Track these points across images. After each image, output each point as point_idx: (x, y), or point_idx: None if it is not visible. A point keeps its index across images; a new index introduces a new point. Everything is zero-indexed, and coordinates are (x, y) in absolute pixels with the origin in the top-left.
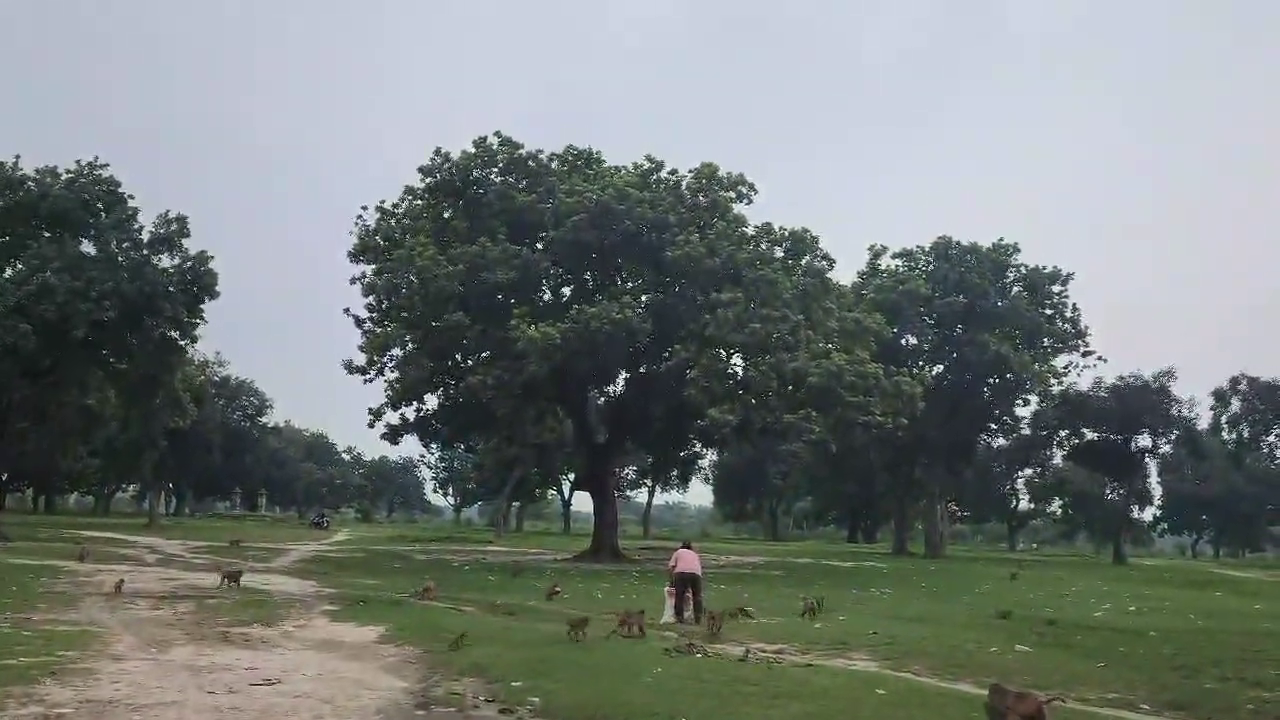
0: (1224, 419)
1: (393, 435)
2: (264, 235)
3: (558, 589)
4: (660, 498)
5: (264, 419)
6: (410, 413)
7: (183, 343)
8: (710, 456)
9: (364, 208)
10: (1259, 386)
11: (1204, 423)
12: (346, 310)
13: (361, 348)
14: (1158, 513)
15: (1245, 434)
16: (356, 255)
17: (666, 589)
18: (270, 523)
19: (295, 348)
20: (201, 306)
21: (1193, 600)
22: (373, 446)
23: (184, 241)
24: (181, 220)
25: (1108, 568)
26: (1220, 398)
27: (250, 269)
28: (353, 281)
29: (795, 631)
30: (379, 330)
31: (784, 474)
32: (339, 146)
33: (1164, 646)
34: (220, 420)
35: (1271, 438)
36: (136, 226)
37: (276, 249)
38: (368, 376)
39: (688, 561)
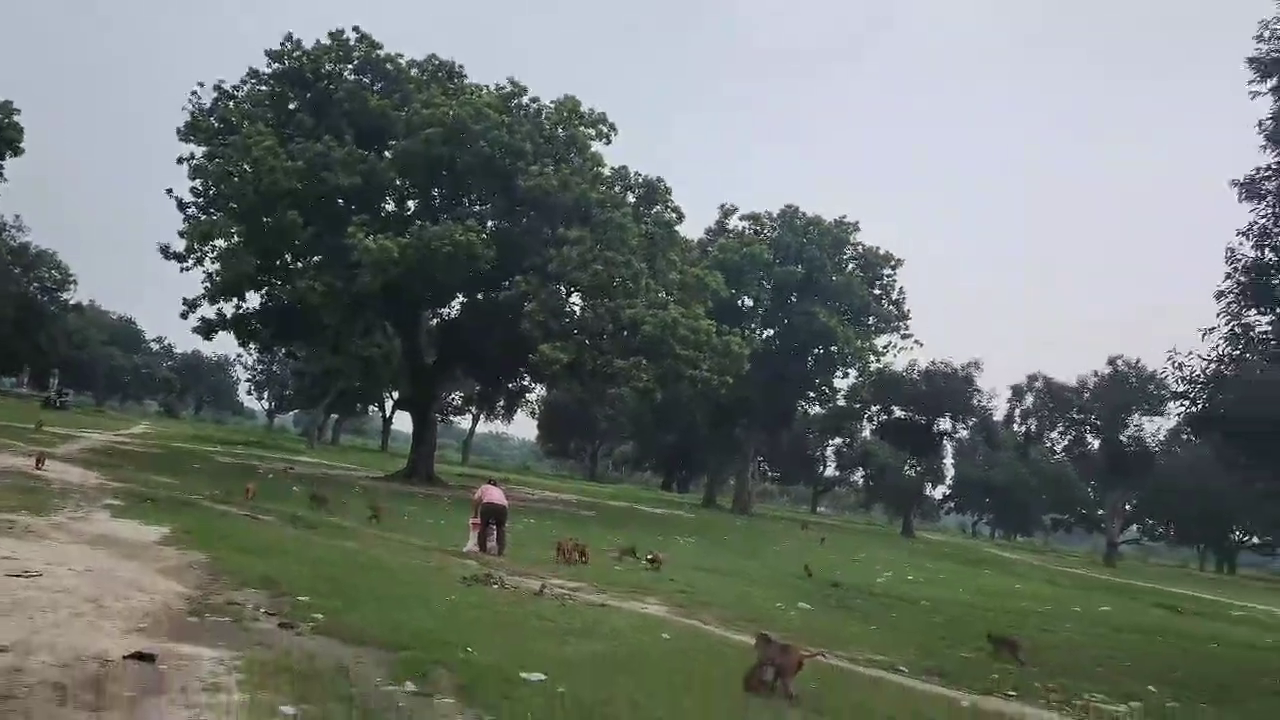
0: (1017, 413)
1: (207, 330)
2: (89, 98)
3: (378, 511)
4: (484, 427)
5: (65, 295)
6: (229, 309)
7: None
8: (538, 392)
9: (200, 84)
10: (1051, 386)
11: (1000, 414)
12: (169, 191)
13: (182, 234)
14: (947, 492)
15: (1033, 428)
16: (187, 134)
17: (471, 520)
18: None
19: (110, 224)
20: (1, 162)
21: (965, 576)
22: (185, 339)
23: None
24: None
25: (896, 538)
26: (1017, 393)
27: (69, 133)
28: (180, 162)
29: (594, 573)
30: (203, 218)
31: (609, 418)
32: (187, 12)
33: (933, 616)
34: (14, 290)
35: (1055, 434)
36: None
37: (103, 115)
38: (185, 265)
39: (495, 494)
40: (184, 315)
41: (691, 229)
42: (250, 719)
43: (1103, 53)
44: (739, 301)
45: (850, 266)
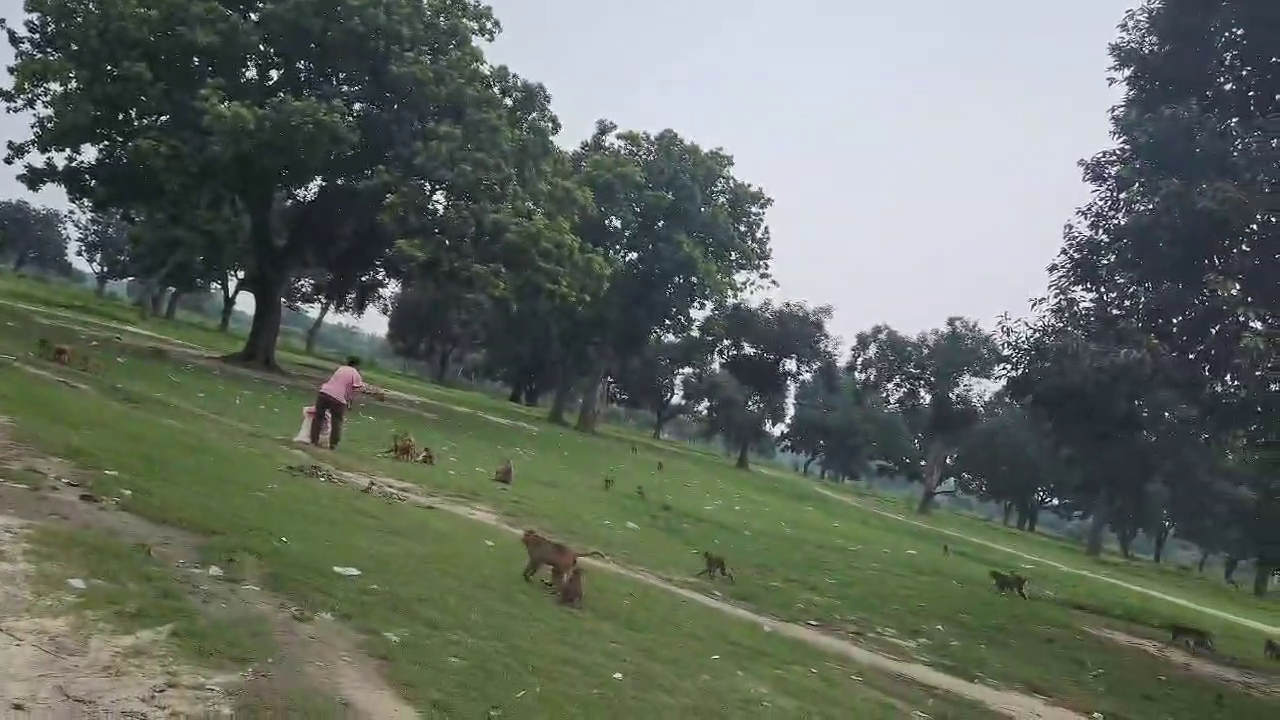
0: (859, 361)
1: (34, 180)
2: None
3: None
4: (333, 318)
5: None
6: (61, 160)
7: None
8: (393, 287)
9: None
10: (894, 339)
11: (843, 361)
12: (2, 23)
13: (12, 70)
14: (785, 430)
15: (872, 378)
16: None
17: (306, 408)
18: None
19: None
20: None
21: (789, 510)
22: (9, 187)
23: None
24: None
25: (732, 470)
26: (861, 342)
27: None
28: None
29: (425, 475)
30: (39, 56)
31: (463, 322)
32: None
33: (751, 545)
34: None
35: (891, 385)
36: None
37: None
38: (13, 105)
39: (332, 383)
40: (9, 160)
41: (567, 142)
42: (34, 589)
43: (978, 22)
44: (606, 221)
45: (720, 200)
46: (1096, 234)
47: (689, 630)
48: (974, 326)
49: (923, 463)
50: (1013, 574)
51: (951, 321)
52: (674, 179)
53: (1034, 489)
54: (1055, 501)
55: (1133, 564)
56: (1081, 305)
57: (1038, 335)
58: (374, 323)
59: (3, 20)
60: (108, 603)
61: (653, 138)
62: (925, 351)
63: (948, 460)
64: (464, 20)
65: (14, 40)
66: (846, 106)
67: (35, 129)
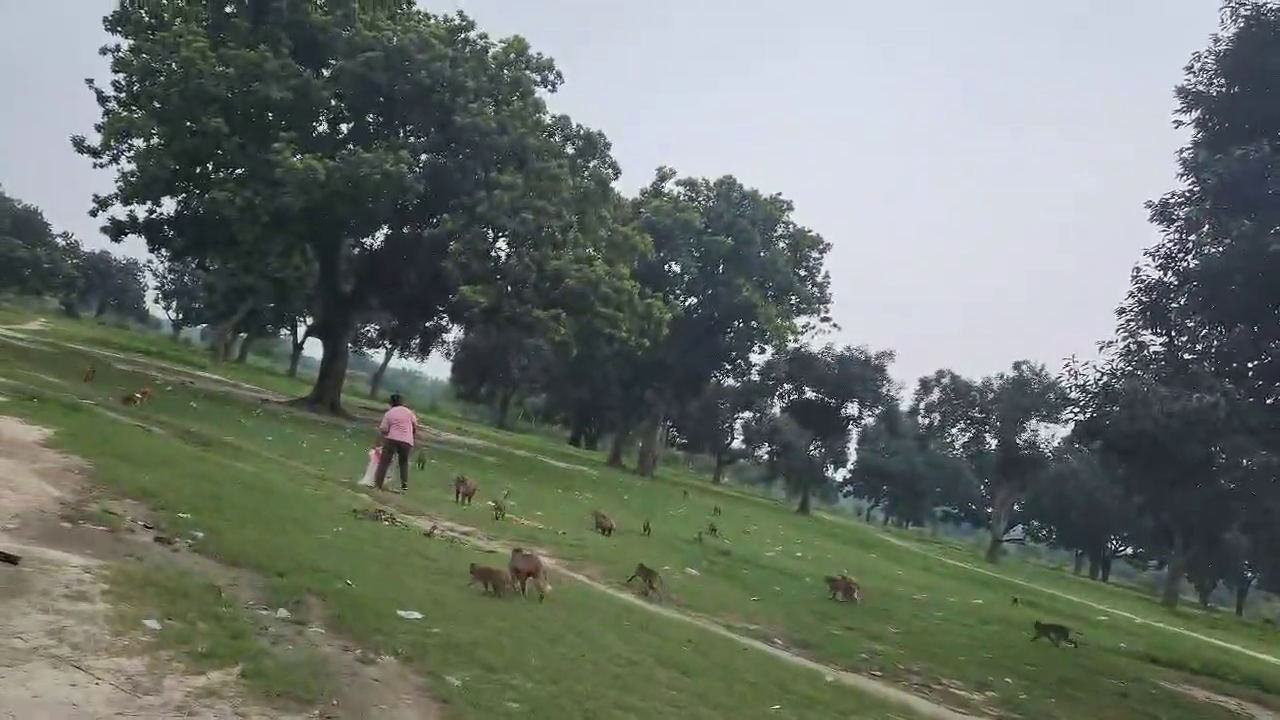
0: (922, 405)
1: (117, 231)
2: None
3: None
4: (397, 362)
5: None
6: (142, 212)
7: None
8: (456, 333)
9: None
10: (957, 383)
11: (905, 405)
12: (90, 82)
13: (99, 127)
14: (848, 474)
15: (936, 422)
16: (114, 24)
17: (373, 450)
18: None
19: (24, 109)
20: None
21: (851, 557)
22: (93, 238)
23: None
24: None
25: (793, 515)
26: (924, 386)
27: None
28: (104, 52)
29: (490, 521)
30: (124, 114)
31: (524, 366)
32: None
33: (812, 591)
34: None
35: (955, 430)
36: None
37: None
38: (100, 161)
39: (402, 428)
40: (94, 213)
41: (627, 188)
42: (112, 629)
43: (1057, 70)
44: (666, 266)
45: (780, 244)
46: (1166, 276)
47: (748, 678)
48: (1040, 370)
49: (989, 509)
50: (1056, 623)
51: (1017, 365)
52: (733, 224)
53: (1106, 537)
54: (1129, 550)
55: (1212, 615)
56: (1151, 349)
57: (1106, 379)
58: (437, 367)
59: (91, 80)
60: (180, 643)
61: (712, 183)
62: (990, 395)
63: (1015, 506)
64: (527, 72)
65: (101, 99)
66: (898, 142)
67: (119, 183)
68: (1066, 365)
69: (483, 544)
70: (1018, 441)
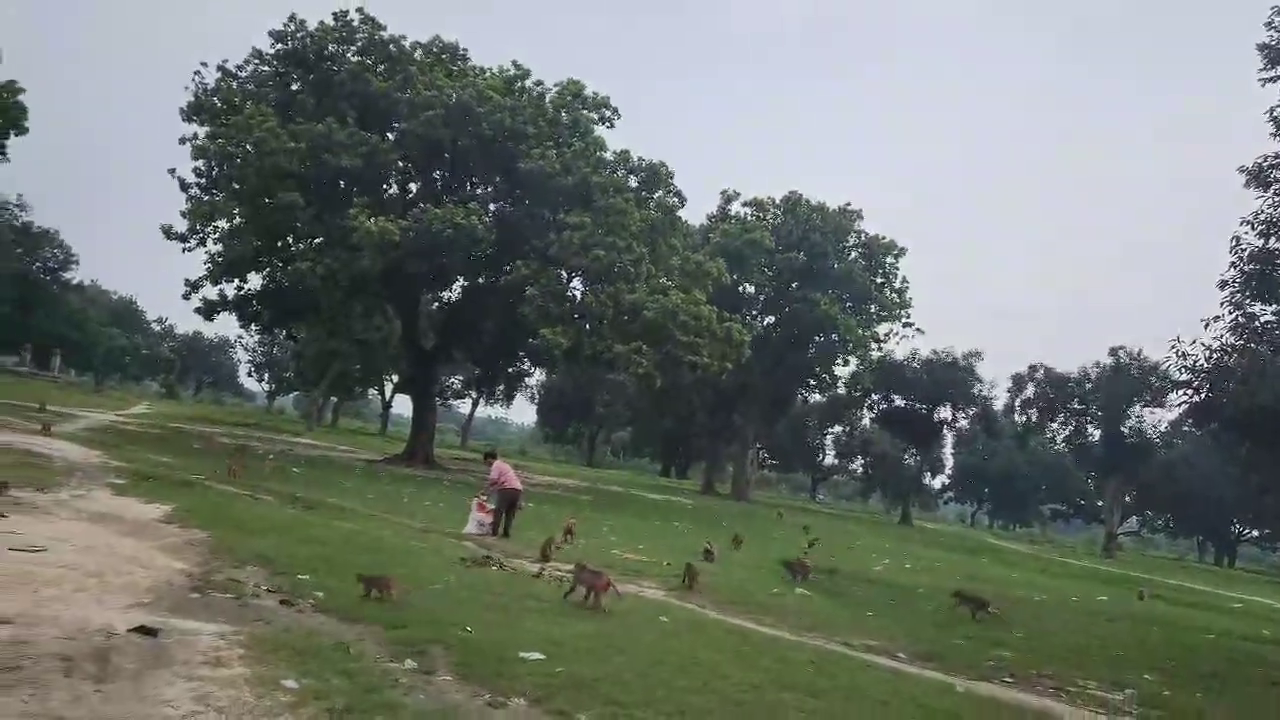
0: (1018, 402)
1: (209, 311)
2: (90, 77)
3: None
4: (483, 411)
5: (67, 275)
6: (230, 290)
7: None
8: (538, 376)
9: (203, 64)
10: (1052, 376)
11: (1000, 404)
12: (172, 172)
13: (184, 214)
14: (946, 481)
15: (1033, 419)
16: (190, 114)
17: (478, 499)
18: (62, 386)
19: (115, 205)
20: (5, 141)
21: (962, 564)
22: (186, 320)
23: None
24: None
25: (895, 527)
26: (1018, 383)
27: (74, 113)
28: (183, 142)
29: (595, 556)
30: (206, 198)
31: (607, 403)
32: None
33: (928, 603)
34: (16, 269)
35: (1055, 424)
36: None
37: (105, 96)
38: (188, 246)
39: (510, 477)
40: (186, 296)
41: (694, 214)
42: (253, 692)
43: (1134, 48)
44: (740, 288)
45: (853, 254)
46: (1269, 243)
47: (877, 695)
48: (1139, 354)
49: (1099, 503)
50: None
51: (1114, 351)
52: (804, 239)
53: (1228, 521)
54: (1254, 533)
55: None
56: (1262, 319)
57: (1217, 355)
58: (522, 412)
59: (173, 170)
60: (319, 699)
61: (778, 200)
62: (1088, 385)
63: (1127, 498)
64: (584, 112)
65: (183, 186)
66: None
67: (207, 264)
68: (1173, 346)
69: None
70: (1123, 430)
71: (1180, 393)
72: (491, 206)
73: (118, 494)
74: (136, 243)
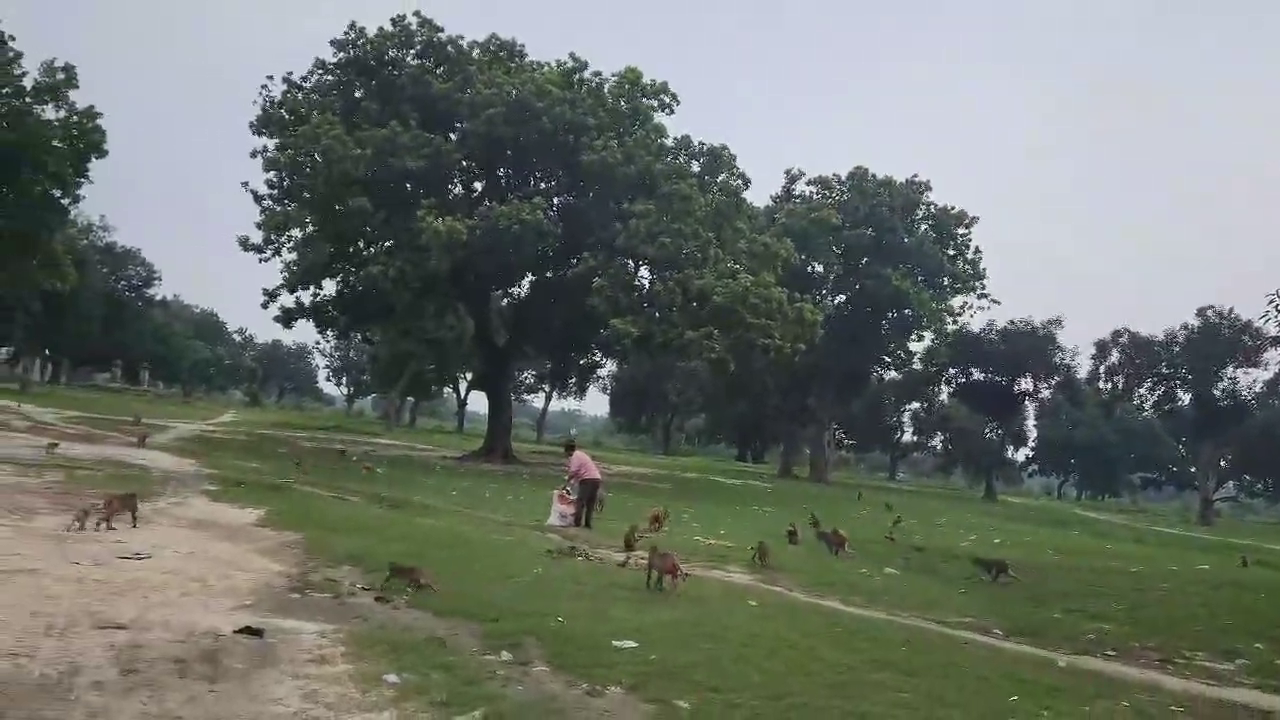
0: (1102, 369)
1: (287, 319)
2: (165, 98)
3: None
4: (557, 404)
5: (151, 291)
6: (306, 297)
7: (65, 201)
8: (610, 366)
9: (269, 78)
10: (1137, 341)
11: (1083, 372)
12: (245, 185)
13: (259, 225)
14: (1030, 453)
15: (1120, 385)
16: (259, 128)
17: (559, 491)
18: (152, 399)
19: (193, 220)
20: (87, 165)
21: (1052, 537)
22: (266, 329)
23: (70, 93)
24: (69, 70)
25: (979, 502)
26: (1101, 349)
27: (149, 133)
28: (254, 155)
29: (678, 543)
30: (279, 209)
31: (680, 390)
32: (253, 9)
33: (1021, 578)
34: (103, 288)
35: (1143, 390)
36: (19, 72)
37: (178, 114)
38: (264, 256)
39: (590, 468)
40: (264, 305)
41: (758, 196)
42: (358, 687)
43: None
44: (809, 268)
45: (922, 228)
46: None
47: (976, 672)
48: (1229, 313)
49: (1193, 469)
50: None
51: (1201, 312)
52: (871, 214)
53: None
54: None
55: None
56: None
57: None
58: (595, 403)
59: (246, 183)
60: (421, 693)
61: (844, 177)
62: (1176, 349)
63: (1222, 463)
64: (643, 100)
65: (257, 199)
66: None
67: (283, 273)
68: (1272, 302)
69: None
70: (1215, 393)
71: (1278, 348)
72: (556, 200)
73: (212, 500)
74: (216, 256)
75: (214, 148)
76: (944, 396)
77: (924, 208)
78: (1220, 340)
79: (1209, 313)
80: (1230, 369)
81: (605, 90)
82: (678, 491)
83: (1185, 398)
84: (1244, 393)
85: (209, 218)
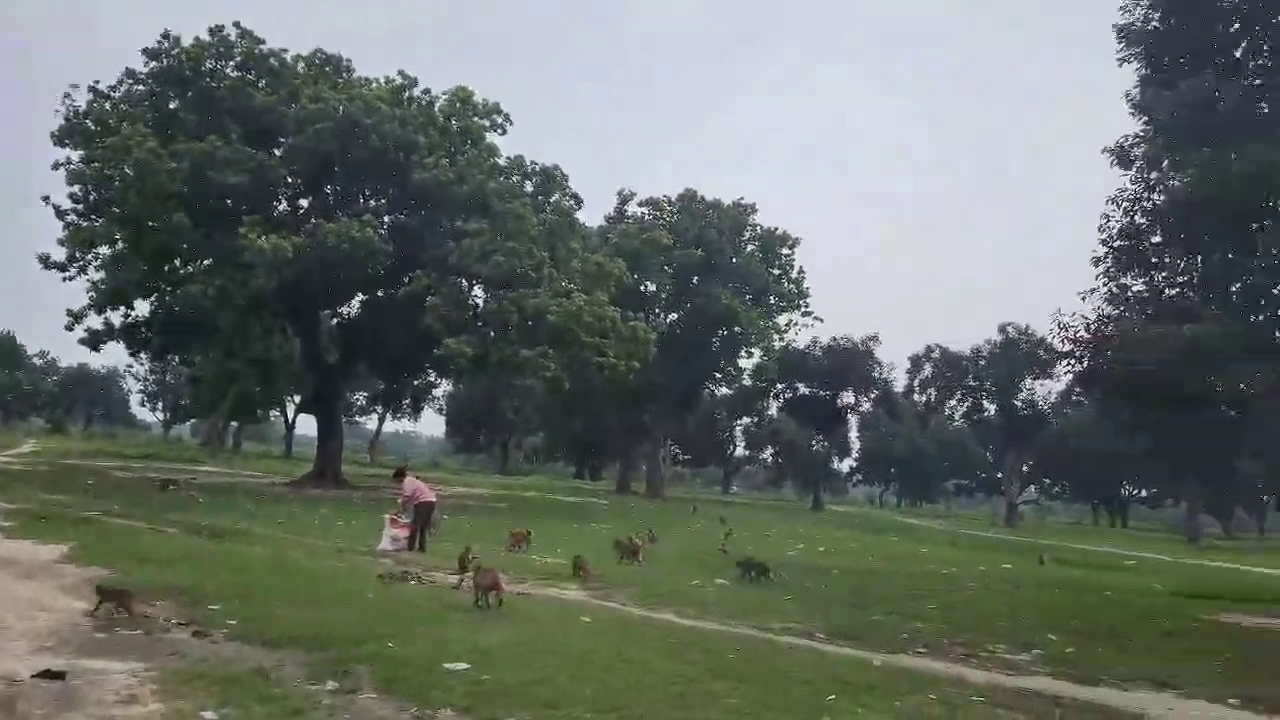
0: (916, 382)
1: (94, 341)
2: None
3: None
4: (391, 425)
5: None
6: (116, 318)
7: None
8: (445, 387)
9: (74, 86)
10: (948, 355)
11: (900, 385)
12: (47, 199)
13: (62, 241)
14: (854, 464)
15: (932, 398)
16: (62, 138)
17: (391, 515)
18: None
19: None
20: None
21: (874, 544)
22: (71, 352)
23: None
24: None
25: (807, 513)
26: (915, 364)
27: None
28: (56, 167)
29: (512, 562)
30: (84, 224)
31: (517, 409)
32: (57, 9)
33: (843, 584)
34: None
35: (953, 402)
36: None
37: None
38: (68, 274)
39: (423, 492)
40: (69, 327)
41: (591, 216)
42: None
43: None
44: (642, 287)
45: (749, 248)
46: (1135, 219)
47: (799, 676)
48: (1026, 329)
49: (999, 475)
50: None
51: (1003, 328)
52: (701, 235)
53: (1118, 484)
54: (1143, 493)
55: (1241, 544)
56: (1134, 289)
57: (1095, 326)
58: (431, 424)
59: (47, 197)
60: None
61: (673, 199)
62: (981, 363)
63: (1024, 469)
64: (474, 119)
65: (60, 214)
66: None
67: (90, 293)
68: (1054, 320)
69: (512, 588)
70: (1016, 404)
71: (1064, 363)
72: (387, 218)
73: (9, 536)
74: (13, 275)
75: (13, 157)
76: (773, 411)
77: (751, 229)
78: (1019, 355)
79: (1009, 329)
80: (1029, 381)
81: (436, 109)
82: (516, 511)
83: (991, 408)
84: (1041, 403)
85: (7, 234)
